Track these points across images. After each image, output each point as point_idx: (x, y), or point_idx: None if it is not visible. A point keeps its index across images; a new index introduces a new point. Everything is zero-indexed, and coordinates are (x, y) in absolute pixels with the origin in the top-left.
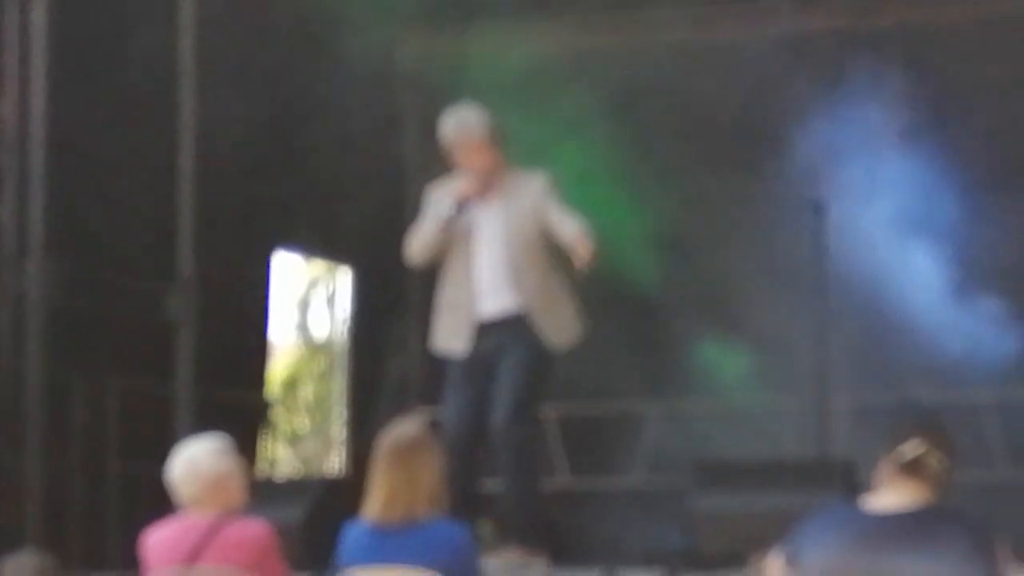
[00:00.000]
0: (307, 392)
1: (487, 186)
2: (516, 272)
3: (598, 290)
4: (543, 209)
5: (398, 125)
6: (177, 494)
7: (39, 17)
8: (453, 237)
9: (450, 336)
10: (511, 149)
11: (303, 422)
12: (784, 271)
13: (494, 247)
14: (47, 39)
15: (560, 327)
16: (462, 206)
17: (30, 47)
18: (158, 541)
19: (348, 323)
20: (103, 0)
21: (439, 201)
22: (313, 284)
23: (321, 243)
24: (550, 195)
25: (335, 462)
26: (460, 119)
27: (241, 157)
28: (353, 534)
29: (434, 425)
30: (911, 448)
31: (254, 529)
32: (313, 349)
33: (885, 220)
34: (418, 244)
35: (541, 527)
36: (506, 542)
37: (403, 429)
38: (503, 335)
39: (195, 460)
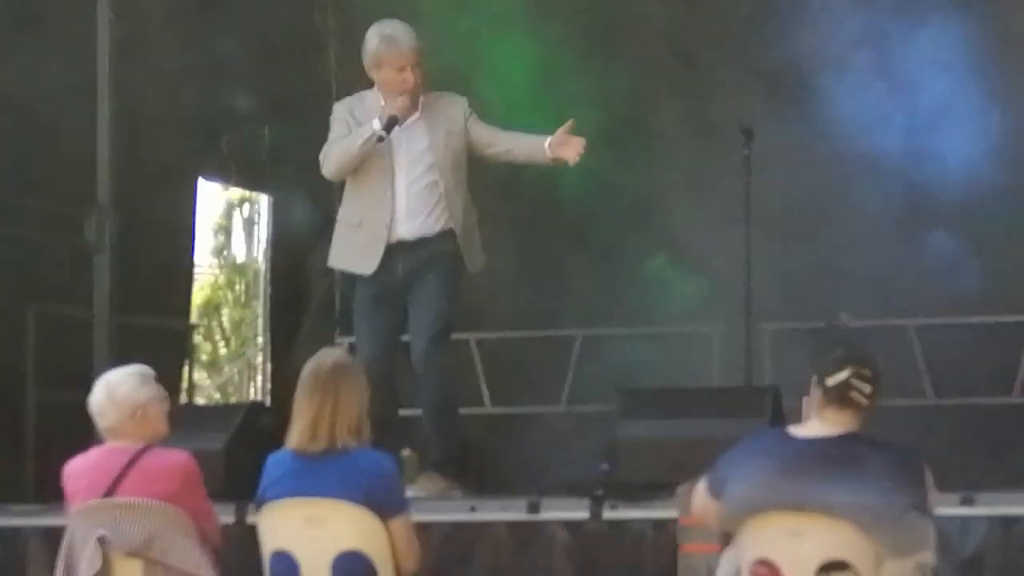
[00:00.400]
0: (226, 317)
1: (414, 105)
2: (444, 194)
3: (522, 210)
4: (474, 131)
5: (320, 46)
6: (97, 424)
7: None
8: (369, 155)
9: (359, 256)
10: (436, 52)
11: (222, 347)
12: (713, 195)
13: (417, 168)
14: None
15: (475, 252)
16: (394, 125)
17: None
18: (77, 472)
19: (268, 249)
20: None
21: (361, 118)
22: (232, 207)
23: (240, 172)
24: (475, 117)
25: (254, 388)
26: (391, 34)
27: (161, 82)
28: (276, 464)
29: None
30: (838, 378)
31: (175, 458)
32: (232, 273)
33: (819, 147)
34: (342, 161)
35: (461, 456)
36: (425, 471)
37: (325, 357)
38: (417, 258)
39: (114, 389)
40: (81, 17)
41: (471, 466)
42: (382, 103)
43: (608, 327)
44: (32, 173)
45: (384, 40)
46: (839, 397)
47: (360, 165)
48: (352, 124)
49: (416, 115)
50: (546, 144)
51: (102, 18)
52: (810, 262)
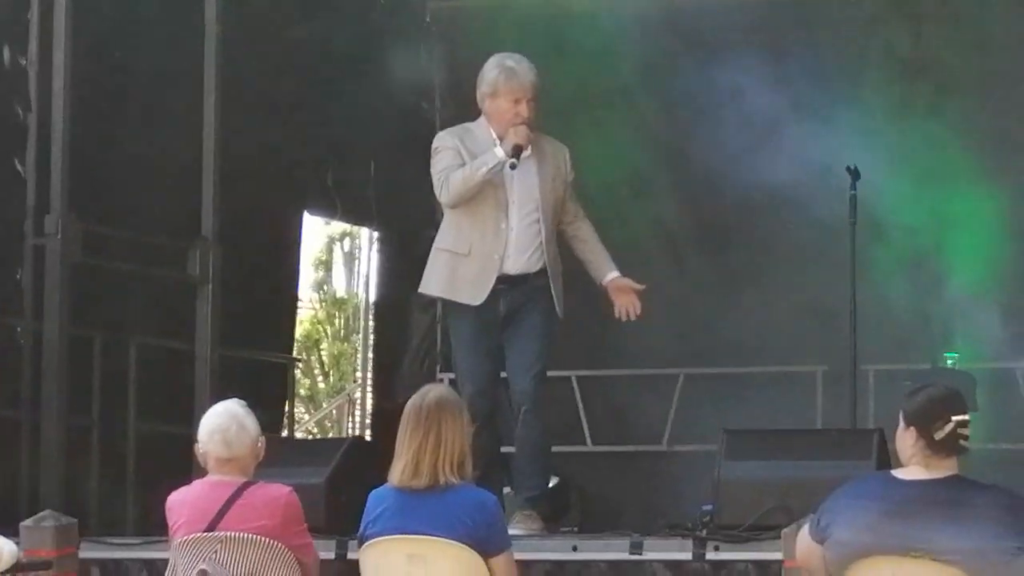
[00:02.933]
0: (325, 351)
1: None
2: (545, 233)
3: (632, 253)
4: (567, 189)
5: (426, 83)
6: (214, 452)
7: None
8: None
9: (468, 286)
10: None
11: (320, 382)
12: (818, 237)
13: (528, 205)
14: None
15: (561, 296)
16: (520, 153)
17: (53, 4)
18: (180, 504)
19: (371, 284)
20: None
21: (472, 148)
22: (333, 241)
23: (345, 207)
24: (571, 180)
25: (352, 423)
26: (512, 66)
27: (268, 117)
28: (378, 500)
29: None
30: (946, 431)
31: (277, 492)
32: (332, 307)
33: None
34: (463, 189)
35: (555, 494)
36: (522, 508)
37: (427, 392)
38: (518, 294)
39: (243, 419)
40: (188, 47)
41: (571, 504)
42: (493, 135)
43: (710, 366)
44: (137, 206)
45: (504, 71)
46: (948, 447)
47: (476, 194)
48: (464, 154)
49: (528, 152)
50: (608, 276)
51: (208, 54)
52: (916, 303)
